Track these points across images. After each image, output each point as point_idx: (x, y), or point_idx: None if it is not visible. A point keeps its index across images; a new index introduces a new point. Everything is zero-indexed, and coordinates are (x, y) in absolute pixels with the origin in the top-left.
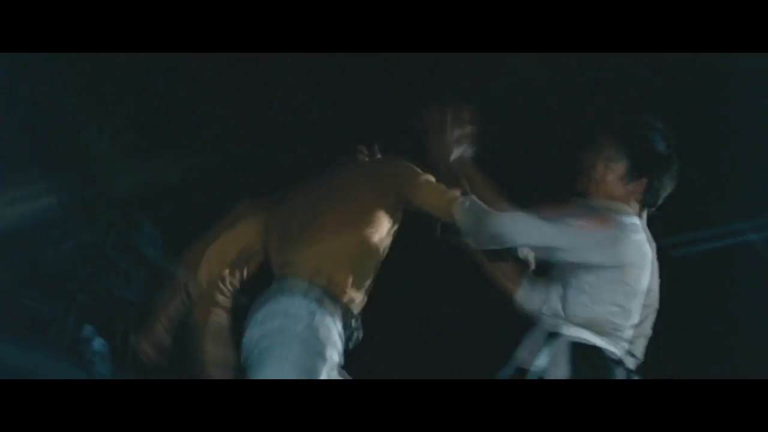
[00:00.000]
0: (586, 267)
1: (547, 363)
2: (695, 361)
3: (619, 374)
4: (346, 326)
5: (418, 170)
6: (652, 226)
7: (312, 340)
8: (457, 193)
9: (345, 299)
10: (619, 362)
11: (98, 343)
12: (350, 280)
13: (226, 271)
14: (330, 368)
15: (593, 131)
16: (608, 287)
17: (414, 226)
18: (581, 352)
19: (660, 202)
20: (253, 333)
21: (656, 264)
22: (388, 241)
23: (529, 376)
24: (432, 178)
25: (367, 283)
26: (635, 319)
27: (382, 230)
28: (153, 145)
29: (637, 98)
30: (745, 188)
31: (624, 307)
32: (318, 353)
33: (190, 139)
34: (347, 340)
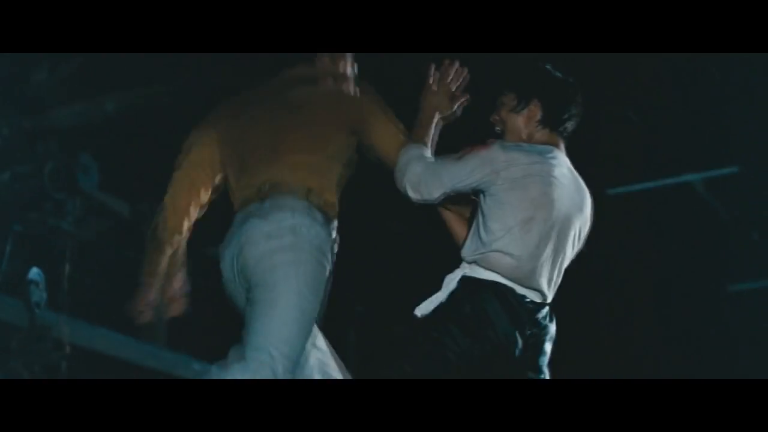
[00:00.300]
0: (484, 195)
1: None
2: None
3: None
4: (335, 240)
5: (380, 111)
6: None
7: (321, 259)
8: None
9: (332, 215)
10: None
11: (33, 272)
12: (335, 197)
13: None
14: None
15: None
16: (499, 210)
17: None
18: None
19: (566, 126)
20: (259, 248)
21: (580, 200)
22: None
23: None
24: (392, 122)
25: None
26: (533, 248)
27: (344, 153)
28: (92, 76)
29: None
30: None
31: (514, 232)
32: (324, 270)
33: (131, 70)
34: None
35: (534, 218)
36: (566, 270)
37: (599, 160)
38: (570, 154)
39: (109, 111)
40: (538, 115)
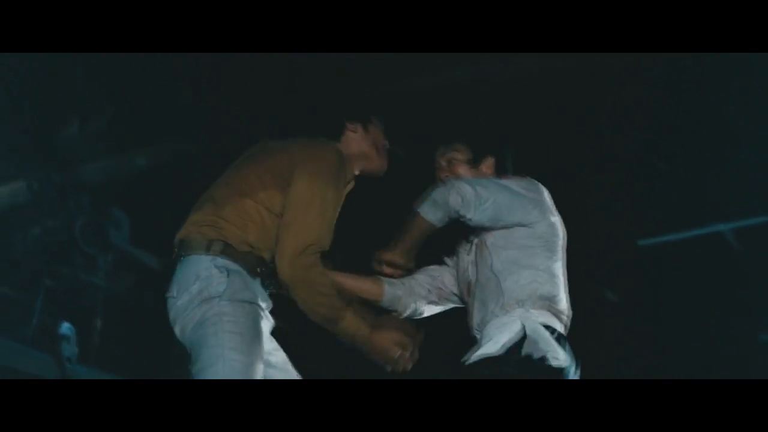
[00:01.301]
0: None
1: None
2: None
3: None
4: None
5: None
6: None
7: (240, 306)
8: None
9: (246, 258)
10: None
11: (64, 327)
12: (251, 241)
13: None
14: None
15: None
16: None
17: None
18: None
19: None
20: (178, 324)
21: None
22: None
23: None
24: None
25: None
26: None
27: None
28: (123, 131)
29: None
30: (722, 185)
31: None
32: (250, 313)
33: (161, 127)
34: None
35: (558, 249)
36: (605, 319)
37: (629, 211)
38: (600, 206)
39: (140, 166)
40: (491, 172)
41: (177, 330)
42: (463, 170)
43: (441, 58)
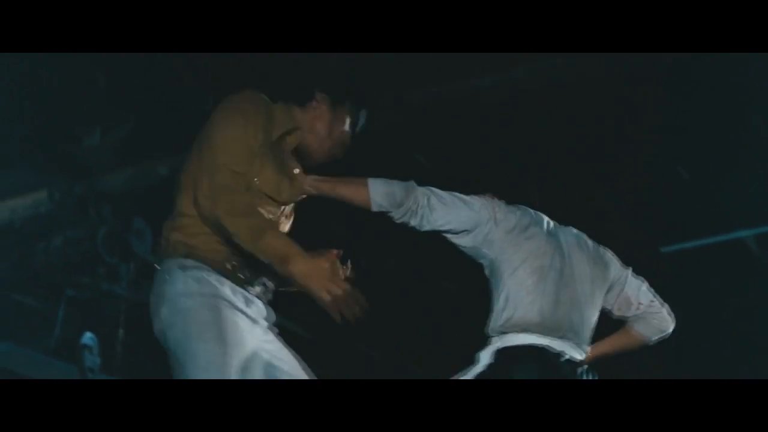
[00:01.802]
0: (493, 264)
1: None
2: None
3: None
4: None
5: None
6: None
7: (205, 303)
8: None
9: (203, 255)
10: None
11: (86, 337)
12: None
13: None
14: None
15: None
16: (509, 269)
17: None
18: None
19: None
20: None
21: (577, 241)
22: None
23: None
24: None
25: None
26: (552, 296)
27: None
28: (144, 140)
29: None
30: (743, 191)
31: (528, 286)
32: (216, 310)
33: (182, 135)
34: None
35: (543, 267)
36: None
37: (651, 219)
38: (622, 214)
39: (162, 175)
40: None
41: (159, 337)
42: None
43: (464, 64)
